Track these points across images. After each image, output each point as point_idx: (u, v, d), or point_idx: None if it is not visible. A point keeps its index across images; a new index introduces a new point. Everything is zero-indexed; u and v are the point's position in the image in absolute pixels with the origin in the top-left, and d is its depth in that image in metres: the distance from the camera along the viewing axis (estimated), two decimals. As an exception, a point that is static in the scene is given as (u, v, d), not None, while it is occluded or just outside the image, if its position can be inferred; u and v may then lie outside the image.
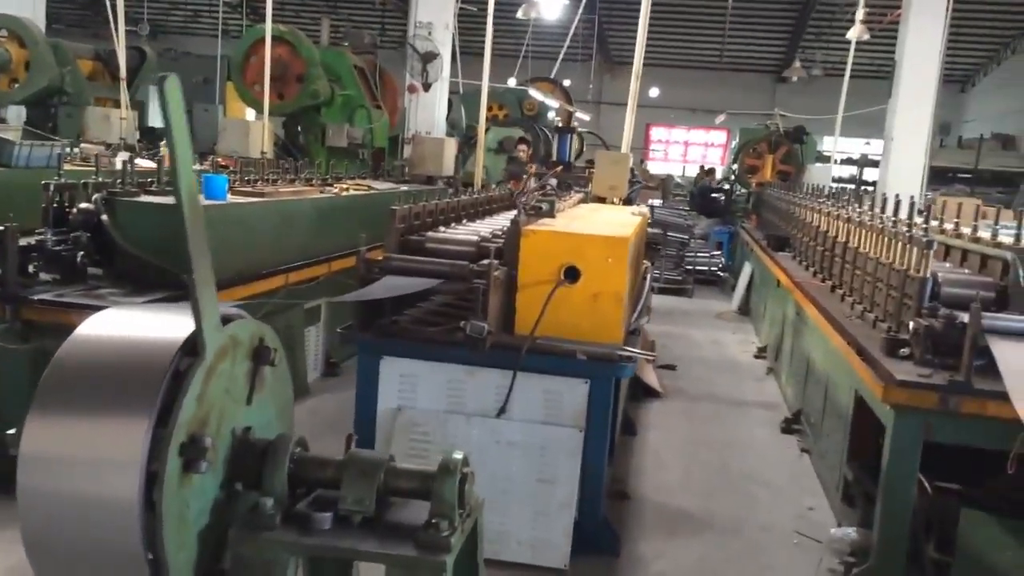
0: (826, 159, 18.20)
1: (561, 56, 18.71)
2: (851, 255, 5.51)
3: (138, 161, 7.75)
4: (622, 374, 3.97)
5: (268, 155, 10.06)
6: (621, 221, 4.95)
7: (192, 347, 1.82)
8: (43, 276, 4.54)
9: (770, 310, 8.45)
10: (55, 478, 1.71)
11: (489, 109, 17.60)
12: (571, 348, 3.86)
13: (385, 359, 4.05)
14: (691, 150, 33.89)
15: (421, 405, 4.04)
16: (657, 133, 34.09)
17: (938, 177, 17.94)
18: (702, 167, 20.14)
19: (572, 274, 3.95)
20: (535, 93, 15.01)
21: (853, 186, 15.72)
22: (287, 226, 5.78)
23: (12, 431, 1.80)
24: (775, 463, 5.42)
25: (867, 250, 5.09)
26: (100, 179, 5.06)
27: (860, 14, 16.44)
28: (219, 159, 9.71)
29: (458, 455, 2.00)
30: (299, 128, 12.66)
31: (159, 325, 1.92)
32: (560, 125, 10.92)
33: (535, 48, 18.91)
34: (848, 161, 18.76)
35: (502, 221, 5.45)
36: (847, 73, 12.38)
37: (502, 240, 4.28)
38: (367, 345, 4.06)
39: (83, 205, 4.74)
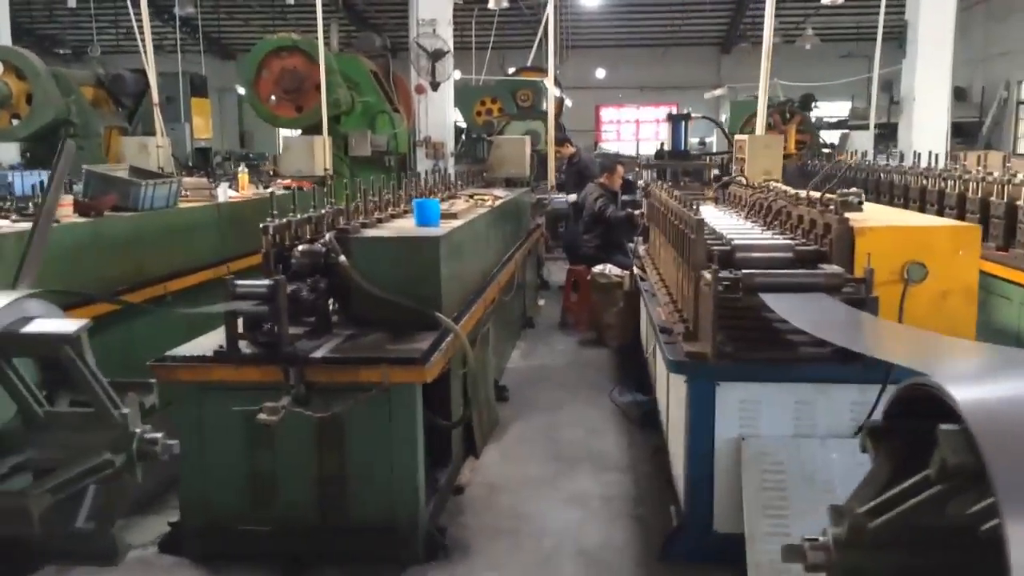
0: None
1: (536, 44, 18.40)
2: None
3: (220, 191, 7.20)
4: (1003, 376, 3.68)
5: (330, 171, 9.51)
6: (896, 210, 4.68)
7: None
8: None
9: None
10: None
11: (482, 103, 17.20)
12: (940, 353, 3.56)
13: (722, 385, 3.69)
14: (643, 128, 33.87)
15: (766, 431, 3.69)
16: (607, 114, 33.93)
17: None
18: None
19: (915, 272, 3.66)
20: (549, 84, 14.58)
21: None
22: (476, 246, 5.34)
23: None
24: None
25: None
26: (301, 216, 4.56)
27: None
28: (286, 180, 9.15)
29: None
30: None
31: None
32: (673, 113, 10.55)
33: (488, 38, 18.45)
34: (835, 125, 18.83)
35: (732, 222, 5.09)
36: (877, 36, 12.27)
37: (807, 241, 3.98)
38: (700, 371, 3.69)
39: (306, 247, 4.24)
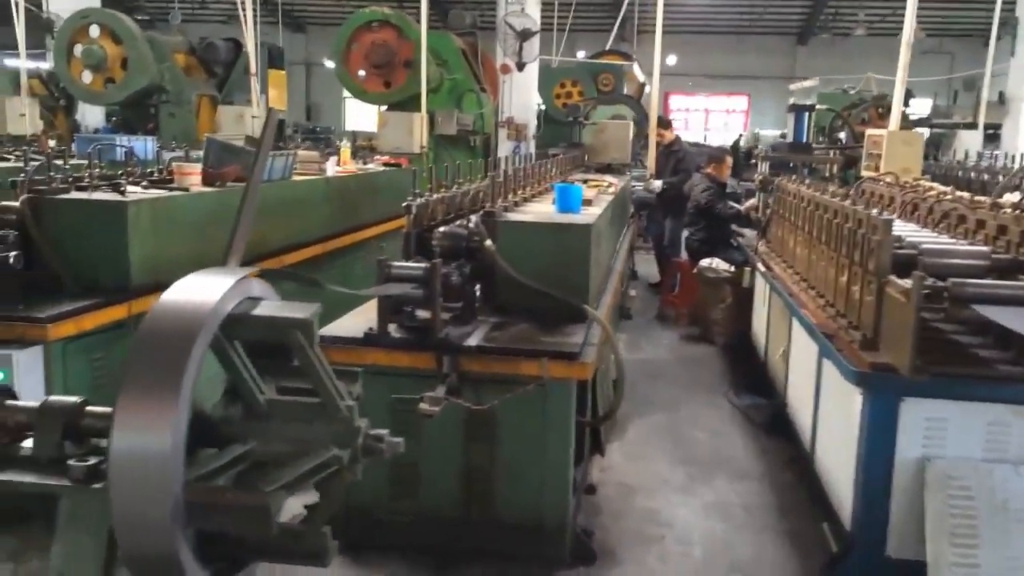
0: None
1: (616, 27, 18.01)
2: None
3: (330, 165, 7.03)
4: None
5: (425, 148, 9.34)
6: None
7: None
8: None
9: None
10: None
11: (561, 86, 16.90)
12: None
13: (906, 400, 3.41)
14: (711, 118, 33.28)
15: (951, 453, 3.41)
16: (676, 102, 33.27)
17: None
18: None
19: None
20: (637, 70, 14.21)
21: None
22: (606, 235, 5.10)
23: None
24: None
25: None
26: (435, 195, 4.36)
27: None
28: (386, 157, 8.98)
29: None
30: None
31: None
32: (795, 103, 10.18)
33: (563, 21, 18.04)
34: (921, 123, 18.12)
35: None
36: (992, 29, 11.73)
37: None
38: (885, 384, 3.41)
39: (448, 229, 4.04)
